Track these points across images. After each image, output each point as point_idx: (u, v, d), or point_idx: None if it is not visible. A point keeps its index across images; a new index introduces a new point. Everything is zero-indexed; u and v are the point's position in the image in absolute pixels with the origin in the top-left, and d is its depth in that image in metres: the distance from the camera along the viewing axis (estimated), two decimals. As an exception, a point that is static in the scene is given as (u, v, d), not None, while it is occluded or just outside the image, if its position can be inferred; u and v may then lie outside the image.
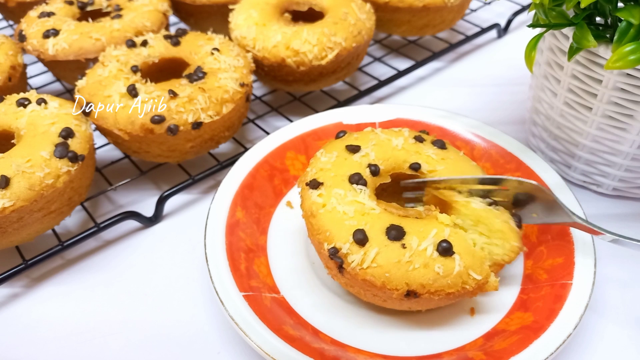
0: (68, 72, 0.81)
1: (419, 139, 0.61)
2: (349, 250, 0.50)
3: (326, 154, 0.59)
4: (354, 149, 0.59)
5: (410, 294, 0.49)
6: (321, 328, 0.55)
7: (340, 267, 0.51)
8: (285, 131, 0.72)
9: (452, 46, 0.96)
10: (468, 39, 0.98)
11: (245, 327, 0.51)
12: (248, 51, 0.78)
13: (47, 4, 0.87)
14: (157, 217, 0.70)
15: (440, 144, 0.61)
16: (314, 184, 0.55)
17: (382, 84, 0.88)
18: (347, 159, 0.58)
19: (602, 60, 0.58)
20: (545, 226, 0.62)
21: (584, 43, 0.55)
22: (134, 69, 0.70)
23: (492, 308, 0.57)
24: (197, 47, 0.74)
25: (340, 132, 0.63)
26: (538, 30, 0.61)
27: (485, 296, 0.58)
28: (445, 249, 0.49)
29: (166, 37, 0.76)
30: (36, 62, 0.97)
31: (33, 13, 0.84)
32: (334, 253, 0.51)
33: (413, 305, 0.53)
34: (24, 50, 0.80)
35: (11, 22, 1.09)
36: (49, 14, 0.82)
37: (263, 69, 0.80)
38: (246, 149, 0.74)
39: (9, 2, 0.93)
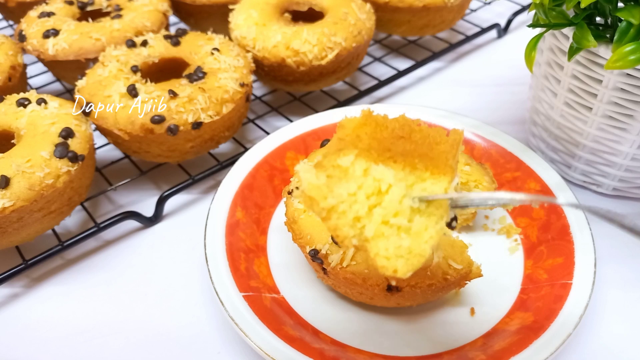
0: (68, 72, 0.81)
1: None
2: (329, 250, 0.51)
3: (308, 162, 0.60)
4: None
5: (392, 288, 0.50)
6: (321, 328, 0.55)
7: (323, 269, 0.52)
8: (285, 131, 0.72)
9: (452, 46, 0.96)
10: (468, 39, 0.98)
11: (245, 327, 0.51)
12: (248, 51, 0.78)
13: (47, 4, 0.87)
14: (157, 217, 0.70)
15: None
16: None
17: (382, 84, 0.88)
18: None
19: (602, 60, 0.58)
20: (545, 226, 0.62)
21: (584, 43, 0.55)
22: (134, 69, 0.70)
23: (492, 308, 0.57)
24: (197, 47, 0.74)
25: (324, 140, 0.64)
26: (538, 30, 0.61)
27: (485, 296, 0.58)
28: None
29: (166, 37, 0.76)
30: (36, 62, 0.97)
31: (33, 13, 0.84)
32: (315, 255, 0.52)
33: (400, 300, 0.53)
34: (24, 50, 0.80)
35: (11, 22, 1.09)
36: (49, 14, 0.82)
37: (263, 69, 0.80)
38: (246, 149, 0.74)
39: (9, 2, 0.93)
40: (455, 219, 0.42)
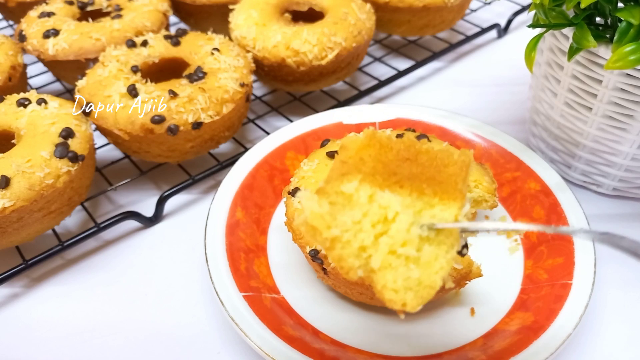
0: (68, 72, 0.81)
1: (400, 137, 0.62)
2: None
3: (308, 162, 0.60)
4: (334, 155, 0.59)
5: None
6: (321, 328, 0.55)
7: (324, 269, 0.52)
8: (285, 131, 0.72)
9: (452, 46, 0.96)
10: (468, 39, 0.98)
11: (245, 327, 0.51)
12: (248, 51, 0.78)
13: (47, 4, 0.87)
14: (157, 217, 0.70)
15: (421, 138, 0.62)
16: (295, 192, 0.56)
17: (382, 84, 0.88)
18: (328, 165, 0.59)
19: (602, 60, 0.58)
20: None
21: (584, 43, 0.55)
22: (134, 69, 0.70)
23: (493, 308, 0.57)
24: (197, 47, 0.74)
25: (324, 140, 0.64)
26: (538, 31, 0.61)
27: (485, 296, 0.58)
28: None
29: (166, 37, 0.76)
30: (36, 62, 0.97)
31: (33, 13, 0.84)
32: (315, 255, 0.52)
33: None
34: (24, 50, 0.80)
35: (11, 22, 1.09)
36: (49, 14, 0.82)
37: (263, 69, 0.80)
38: (246, 149, 0.74)
39: (9, 2, 0.93)
40: (466, 246, 0.40)
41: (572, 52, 0.57)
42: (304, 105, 0.87)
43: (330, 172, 0.39)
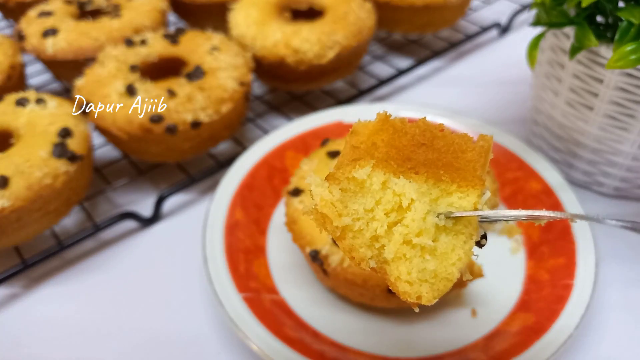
0: (67, 71, 0.81)
1: None
2: (329, 251, 0.51)
3: (308, 162, 0.60)
4: (334, 154, 0.59)
5: None
6: (321, 330, 0.55)
7: (324, 270, 0.52)
8: (285, 130, 0.72)
9: (452, 45, 0.96)
10: (469, 38, 0.98)
11: (244, 328, 0.51)
12: (247, 50, 0.77)
13: (46, 3, 0.86)
14: (155, 217, 0.70)
15: None
16: (296, 192, 0.56)
17: (382, 83, 0.88)
18: (328, 164, 0.58)
19: (603, 59, 0.57)
20: (547, 225, 0.61)
21: (586, 42, 0.55)
22: (133, 68, 0.70)
23: (494, 309, 0.56)
24: (196, 45, 0.74)
25: (324, 139, 0.64)
26: (539, 30, 0.61)
27: (487, 297, 0.57)
28: None
29: (165, 36, 0.76)
30: (36, 61, 0.96)
31: (32, 12, 0.84)
32: (315, 255, 0.52)
33: (401, 301, 0.52)
34: (23, 50, 0.80)
35: (11, 22, 1.09)
36: (49, 14, 0.82)
37: (262, 68, 0.80)
38: (245, 149, 0.74)
39: (8, 1, 0.93)
40: (485, 236, 0.37)
41: (573, 51, 0.57)
42: (304, 104, 0.87)
43: (341, 158, 0.37)
